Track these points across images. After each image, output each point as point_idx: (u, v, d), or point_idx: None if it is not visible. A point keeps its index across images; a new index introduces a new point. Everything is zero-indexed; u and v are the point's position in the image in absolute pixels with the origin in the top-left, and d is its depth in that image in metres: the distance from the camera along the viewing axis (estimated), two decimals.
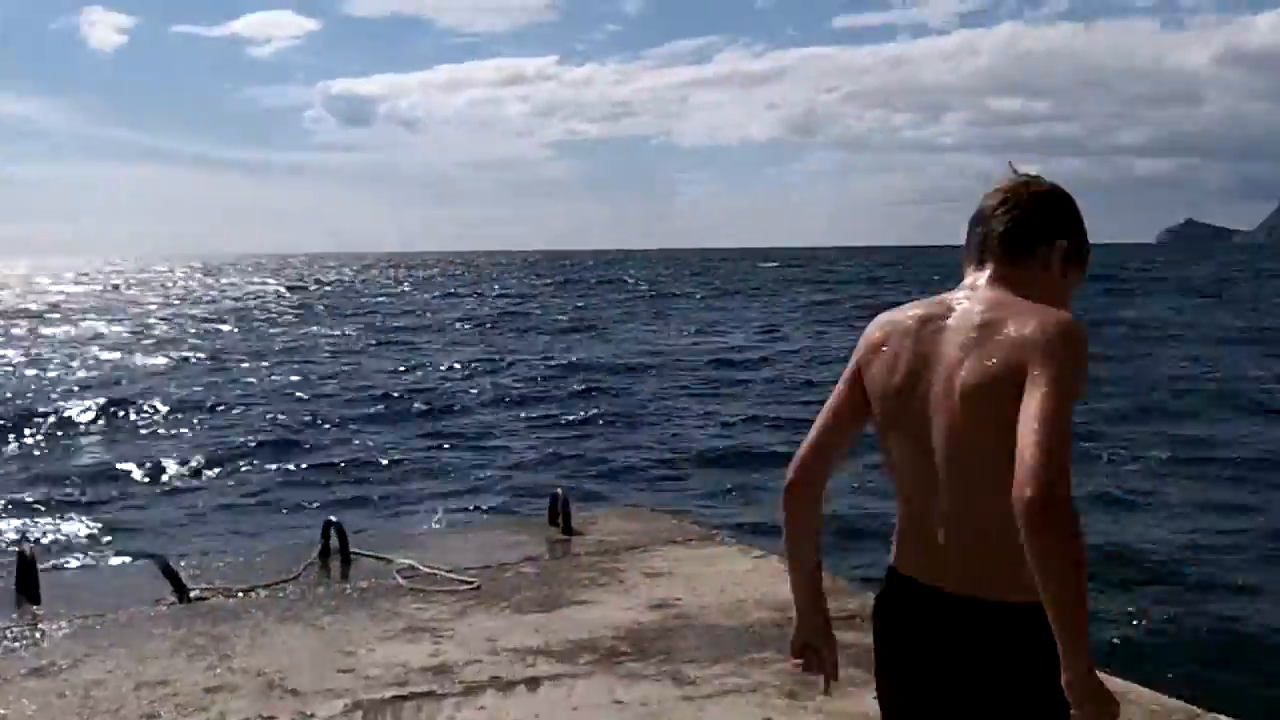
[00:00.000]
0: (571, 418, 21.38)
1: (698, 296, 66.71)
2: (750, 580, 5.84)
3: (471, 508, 13.75)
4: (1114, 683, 4.33)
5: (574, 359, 31.59)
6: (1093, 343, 2.16)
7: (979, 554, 2.18)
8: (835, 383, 2.42)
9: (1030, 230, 2.30)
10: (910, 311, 2.33)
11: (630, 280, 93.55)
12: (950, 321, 2.25)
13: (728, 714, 4.11)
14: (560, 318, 49.81)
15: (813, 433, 2.40)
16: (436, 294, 76.82)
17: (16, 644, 5.10)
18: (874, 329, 2.37)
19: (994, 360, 2.13)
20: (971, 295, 2.28)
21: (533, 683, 4.50)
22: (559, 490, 7.37)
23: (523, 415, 21.89)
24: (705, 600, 5.51)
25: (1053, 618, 1.97)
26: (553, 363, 30.69)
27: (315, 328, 46.26)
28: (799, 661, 2.52)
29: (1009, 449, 2.02)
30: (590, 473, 16.20)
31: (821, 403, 2.44)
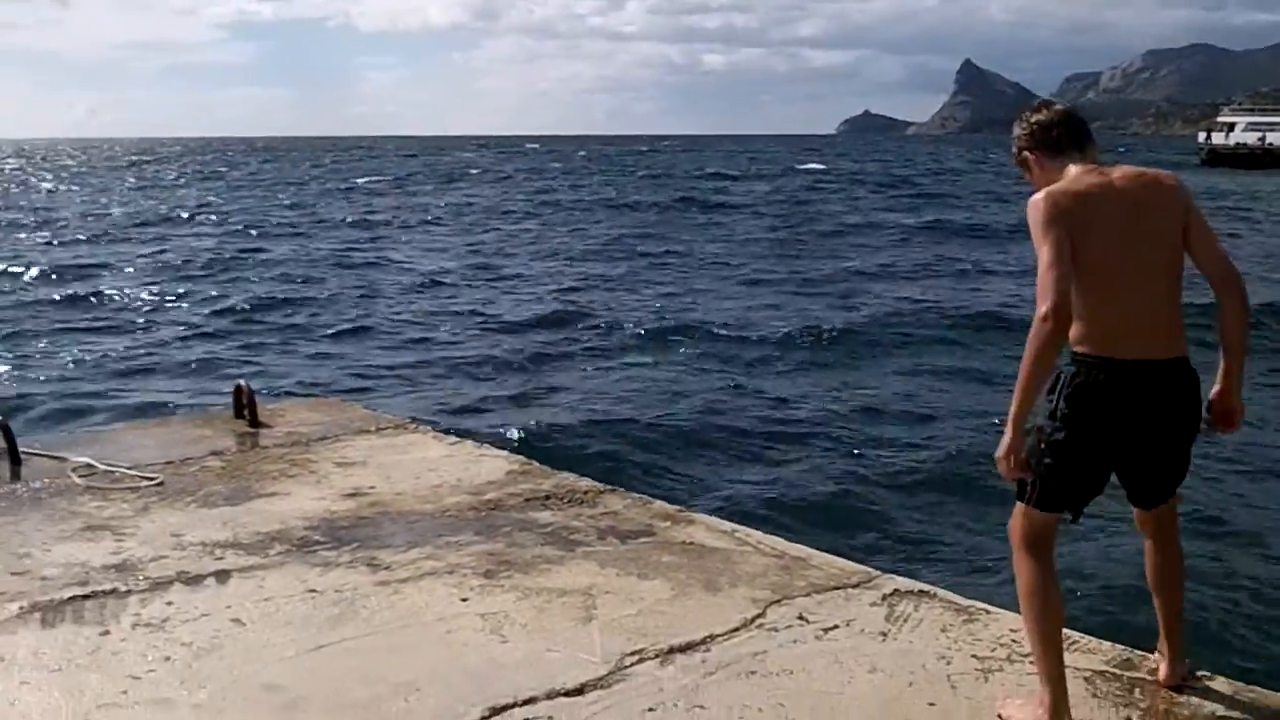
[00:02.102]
0: (258, 312, 20.71)
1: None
2: (445, 466, 5.91)
3: (151, 404, 13.16)
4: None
5: (248, 254, 30.46)
6: None
7: (1175, 328, 3.22)
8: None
9: None
10: (1091, 179, 3.22)
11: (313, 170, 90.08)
12: (1126, 184, 3.22)
13: (425, 596, 4.18)
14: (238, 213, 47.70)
15: (1058, 277, 3.04)
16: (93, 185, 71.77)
17: None
18: (1067, 198, 3.15)
19: (1176, 205, 3.23)
20: (1112, 167, 3.29)
21: (222, 575, 4.43)
22: (243, 382, 7.18)
23: (205, 309, 21.04)
24: (400, 487, 5.54)
25: (1238, 353, 3.27)
26: (228, 255, 29.51)
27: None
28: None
29: (1181, 260, 3.23)
30: (279, 366, 15.79)
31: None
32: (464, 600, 4.14)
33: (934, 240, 33.79)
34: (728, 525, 5.02)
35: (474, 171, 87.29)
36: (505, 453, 6.31)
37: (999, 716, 3.30)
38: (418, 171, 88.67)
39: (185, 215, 44.16)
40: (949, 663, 3.68)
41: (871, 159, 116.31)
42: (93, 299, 22.44)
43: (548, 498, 5.33)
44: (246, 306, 21.18)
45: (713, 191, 58.05)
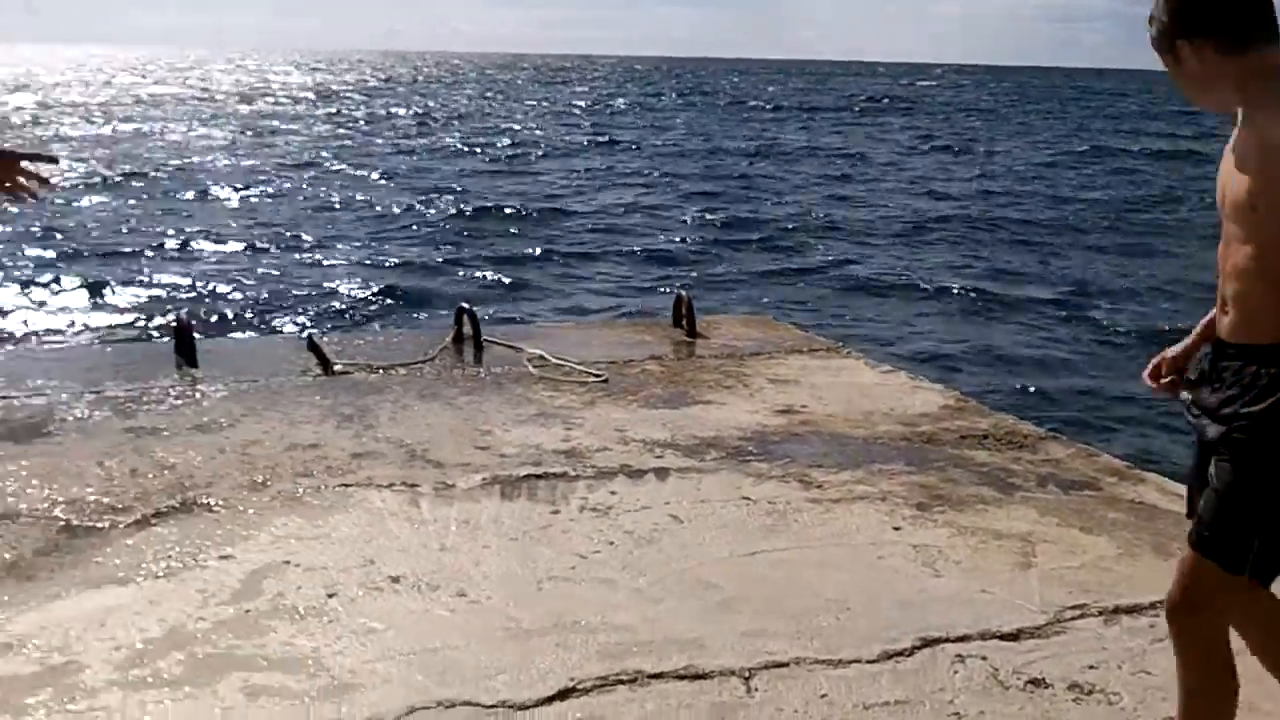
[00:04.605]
0: (700, 223, 21.31)
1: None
2: (878, 393, 5.86)
3: (596, 308, 13.95)
4: None
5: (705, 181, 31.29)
6: None
7: None
8: None
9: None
10: None
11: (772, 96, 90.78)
12: None
13: (856, 519, 4.17)
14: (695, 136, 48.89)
15: None
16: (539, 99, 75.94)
17: (180, 402, 5.41)
18: None
19: None
20: None
21: (662, 472, 4.62)
22: (683, 293, 7.41)
23: (649, 221, 21.96)
24: (831, 409, 5.55)
25: None
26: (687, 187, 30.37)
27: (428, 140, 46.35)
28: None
29: None
30: (715, 280, 16.24)
31: None
32: (896, 529, 4.09)
33: None
34: (1183, 489, 4.67)
35: (924, 101, 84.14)
36: (940, 387, 6.17)
37: None
38: (870, 97, 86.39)
39: (648, 137, 45.61)
40: None
41: None
42: (536, 209, 23.92)
43: (984, 437, 5.16)
44: (697, 225, 21.80)
45: None
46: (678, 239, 20.29)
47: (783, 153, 38.90)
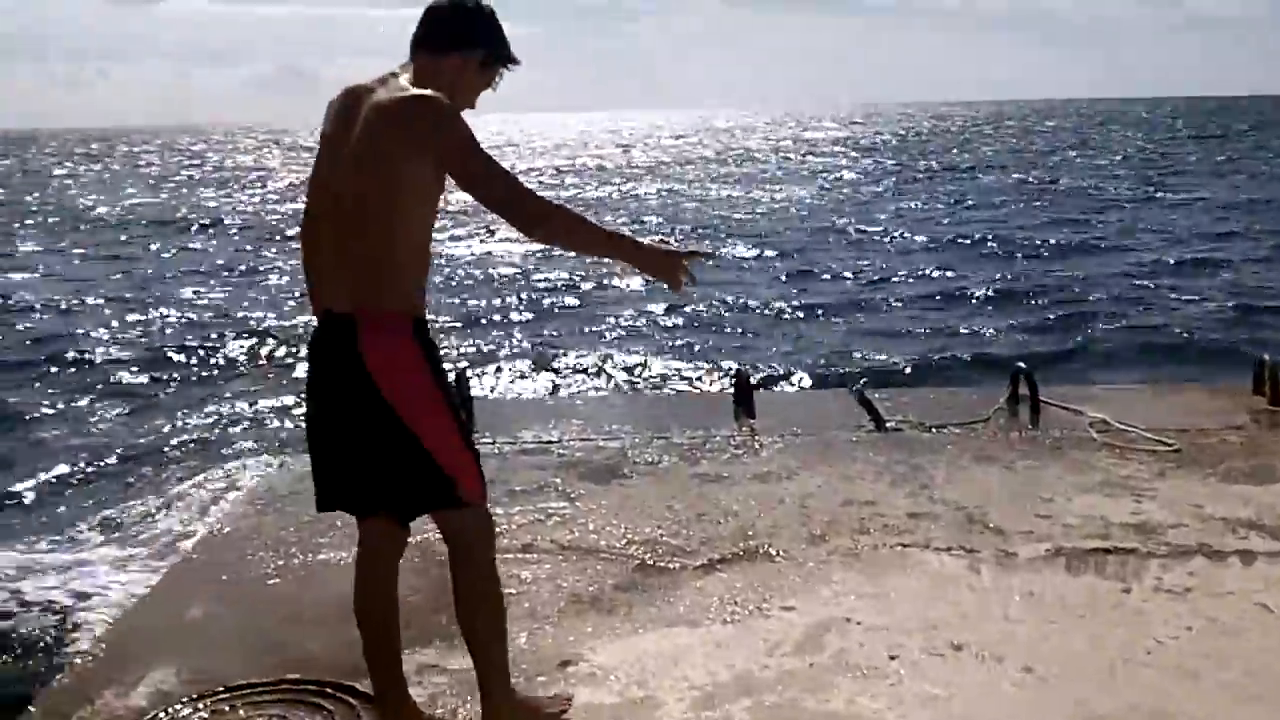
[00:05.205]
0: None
1: None
2: None
3: (1159, 373, 13.04)
4: None
5: None
6: None
7: None
8: None
9: None
10: None
11: None
12: None
13: None
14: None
15: None
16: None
17: (740, 451, 5.69)
18: None
19: None
20: None
21: (1247, 556, 4.21)
22: (1266, 357, 6.74)
23: (1217, 278, 20.29)
24: None
25: None
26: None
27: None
28: None
29: None
30: None
31: None
32: None
33: None
34: None
35: None
36: None
37: None
38: None
39: (1209, 184, 42.34)
40: None
41: None
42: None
43: None
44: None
45: None
46: (1249, 296, 18.54)
47: None
